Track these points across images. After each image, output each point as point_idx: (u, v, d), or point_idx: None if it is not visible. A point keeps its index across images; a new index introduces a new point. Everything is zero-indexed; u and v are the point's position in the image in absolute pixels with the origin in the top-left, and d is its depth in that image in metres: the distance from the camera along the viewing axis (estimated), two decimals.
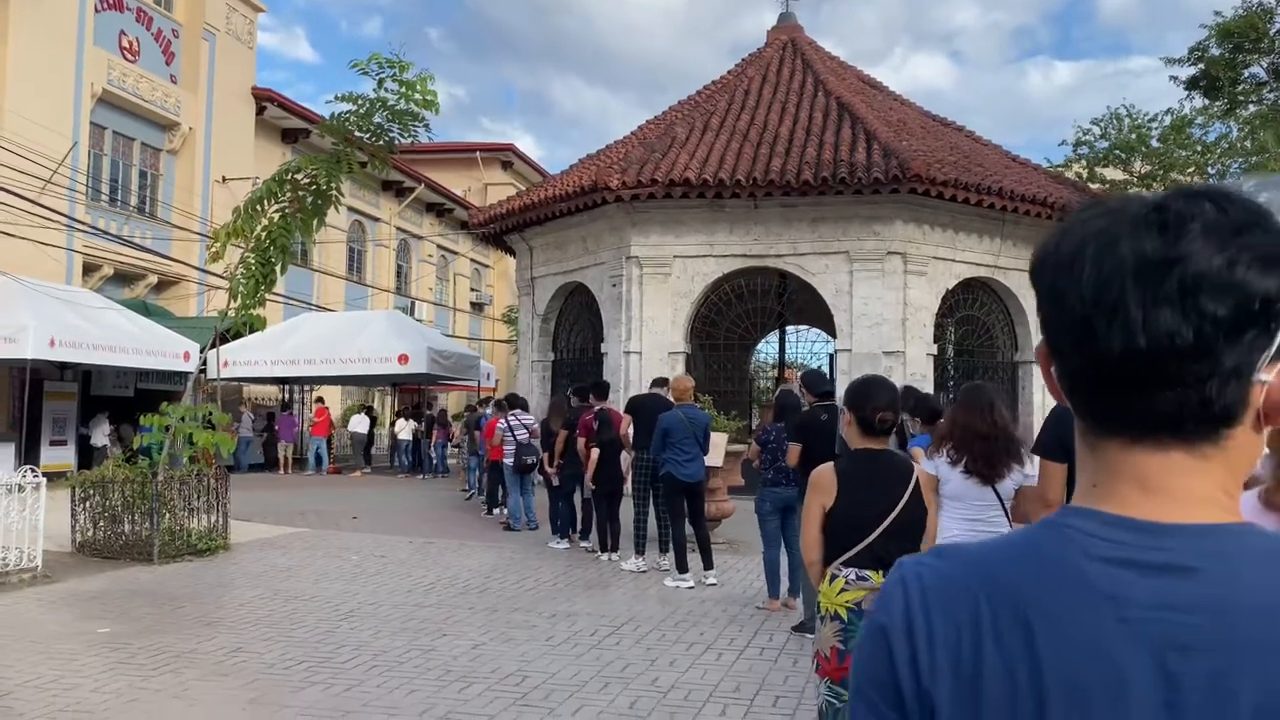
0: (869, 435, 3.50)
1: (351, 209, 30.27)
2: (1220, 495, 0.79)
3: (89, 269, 21.49)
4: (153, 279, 23.02)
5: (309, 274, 28.50)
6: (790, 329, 19.98)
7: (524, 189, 21.70)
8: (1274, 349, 0.76)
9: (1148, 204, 0.79)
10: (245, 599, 7.69)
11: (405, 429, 22.67)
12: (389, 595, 7.88)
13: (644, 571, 9.01)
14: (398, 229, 32.68)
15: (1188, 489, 0.78)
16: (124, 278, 22.64)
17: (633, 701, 5.14)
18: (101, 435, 19.13)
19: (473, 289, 37.73)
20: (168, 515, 9.33)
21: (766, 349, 22.55)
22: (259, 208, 10.22)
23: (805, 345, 20.14)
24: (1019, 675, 0.75)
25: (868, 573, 3.31)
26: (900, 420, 6.25)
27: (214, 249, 10.11)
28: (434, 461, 21.49)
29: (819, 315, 17.12)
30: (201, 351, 18.48)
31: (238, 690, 5.20)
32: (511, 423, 11.73)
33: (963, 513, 4.22)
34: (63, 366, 18.59)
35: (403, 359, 19.22)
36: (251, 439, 21.50)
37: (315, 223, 10.61)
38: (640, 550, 9.27)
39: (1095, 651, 0.74)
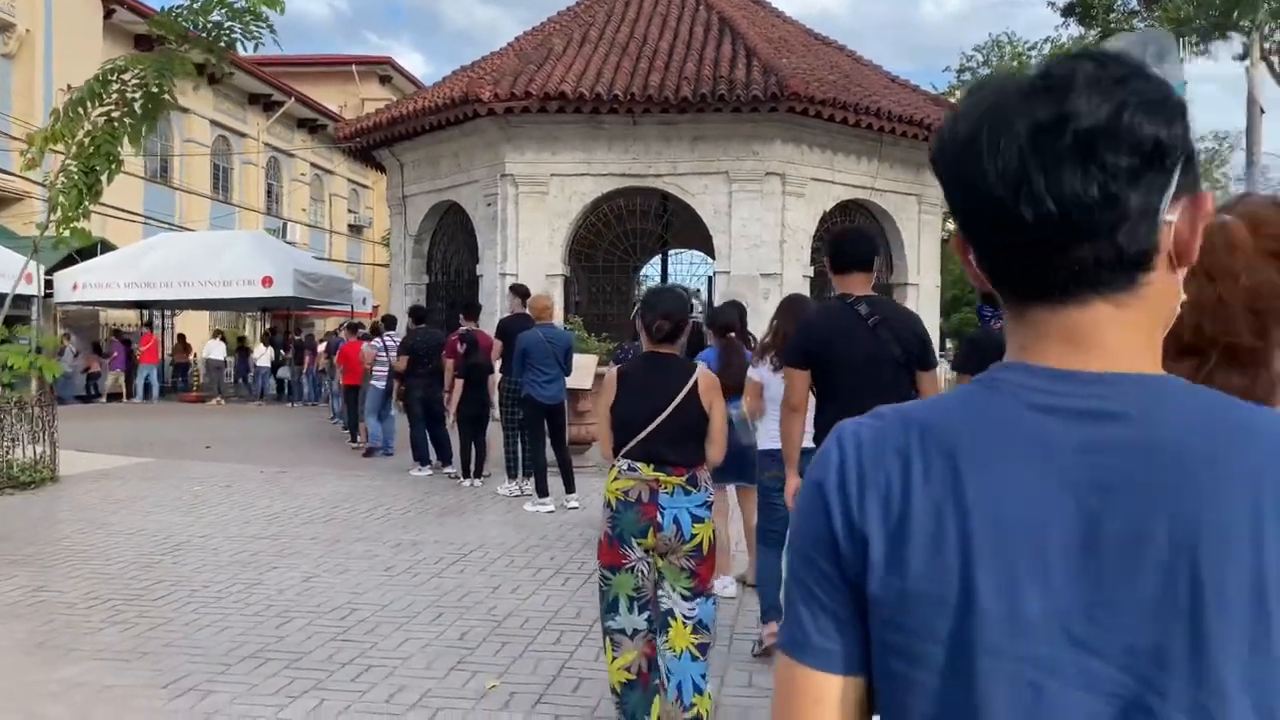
0: (652, 341, 3.62)
1: (215, 123, 28.57)
2: (1143, 346, 0.82)
3: None
4: None
5: (170, 192, 26.88)
6: (673, 252, 19.73)
7: (395, 101, 20.64)
8: (1173, 189, 0.79)
9: (1031, 73, 0.81)
10: (63, 534, 7.11)
11: (264, 356, 21.68)
12: (225, 527, 7.40)
13: (518, 495, 8.73)
14: (267, 145, 31.01)
15: (1112, 340, 0.80)
16: None
17: (464, 632, 4.86)
18: None
19: (350, 210, 36.29)
20: None
21: (651, 273, 22.32)
22: (81, 110, 9.29)
23: (686, 268, 19.93)
24: (945, 514, 0.78)
25: (639, 465, 3.44)
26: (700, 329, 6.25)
27: (28, 155, 9.18)
28: (305, 389, 20.69)
29: (699, 237, 16.88)
30: (35, 273, 17.22)
31: (26, 634, 4.72)
32: (387, 343, 11.18)
33: None
34: None
35: (266, 281, 18.23)
36: (72, 372, 20.16)
37: (146, 128, 9.73)
38: (513, 474, 8.97)
39: (1019, 492, 0.77)
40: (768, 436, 4.64)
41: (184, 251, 19.36)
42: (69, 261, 19.39)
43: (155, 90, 9.66)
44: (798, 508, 0.88)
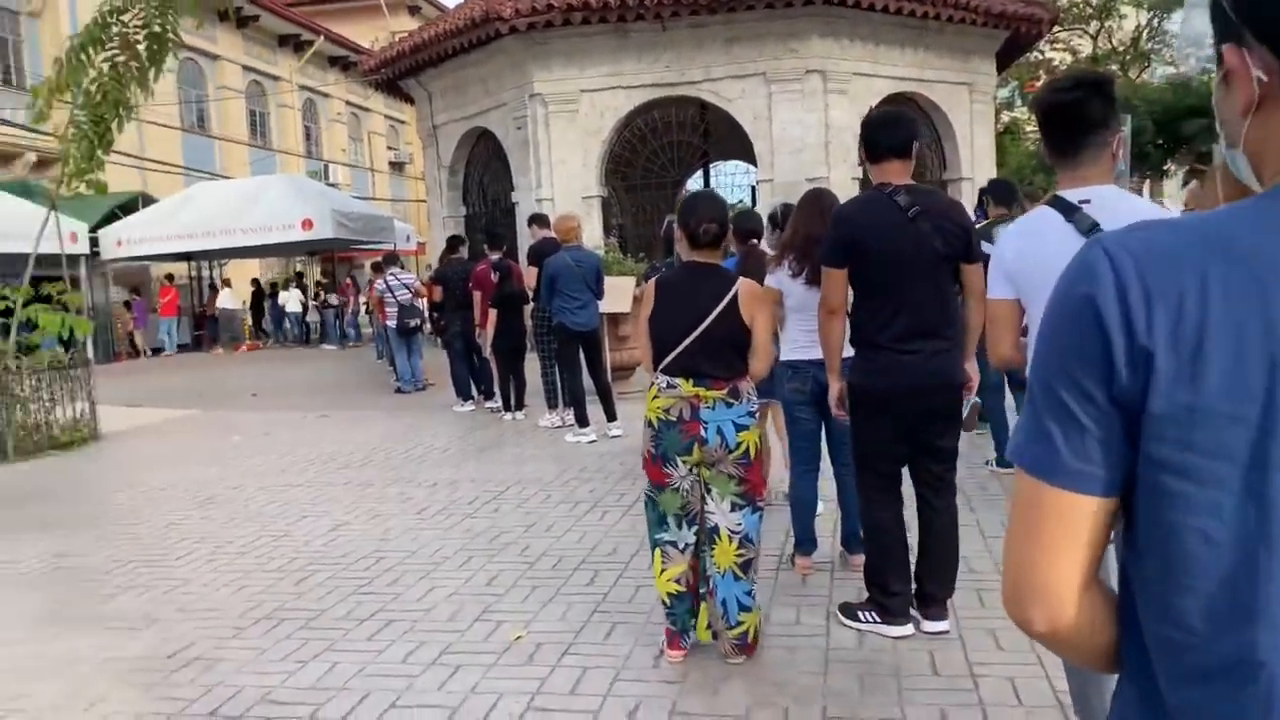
0: (695, 248, 3.46)
1: (247, 68, 28.24)
2: None
3: None
4: (31, 156, 21.26)
5: (209, 141, 26.73)
6: (717, 165, 19.02)
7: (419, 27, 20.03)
8: None
9: None
10: (96, 494, 6.99)
11: (291, 299, 21.69)
12: (259, 477, 7.21)
13: (559, 426, 8.43)
14: (301, 87, 30.62)
15: None
16: None
17: (493, 576, 4.56)
18: None
19: (390, 147, 35.88)
20: (19, 409, 8.48)
21: (694, 187, 21.66)
22: (84, 57, 8.97)
23: (727, 179, 19.22)
24: (1249, 331, 0.74)
25: (678, 381, 3.34)
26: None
27: (36, 108, 8.91)
28: (340, 331, 20.83)
29: (741, 146, 16.17)
30: (80, 232, 17.16)
31: (39, 604, 4.53)
32: (391, 283, 10.87)
33: (805, 324, 4.11)
34: None
35: (306, 224, 17.96)
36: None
37: (154, 72, 9.38)
38: (553, 405, 8.66)
39: None
40: (788, 346, 4.28)
41: (221, 200, 19.18)
42: (113, 218, 19.41)
43: (159, 30, 9.29)
44: (1052, 323, 0.84)
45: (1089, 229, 2.36)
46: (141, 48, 9.24)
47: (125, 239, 18.92)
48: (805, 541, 4.41)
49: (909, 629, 3.62)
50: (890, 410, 3.53)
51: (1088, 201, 2.44)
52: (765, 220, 5.64)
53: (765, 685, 3.31)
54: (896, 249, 3.41)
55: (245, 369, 16.10)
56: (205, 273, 24.29)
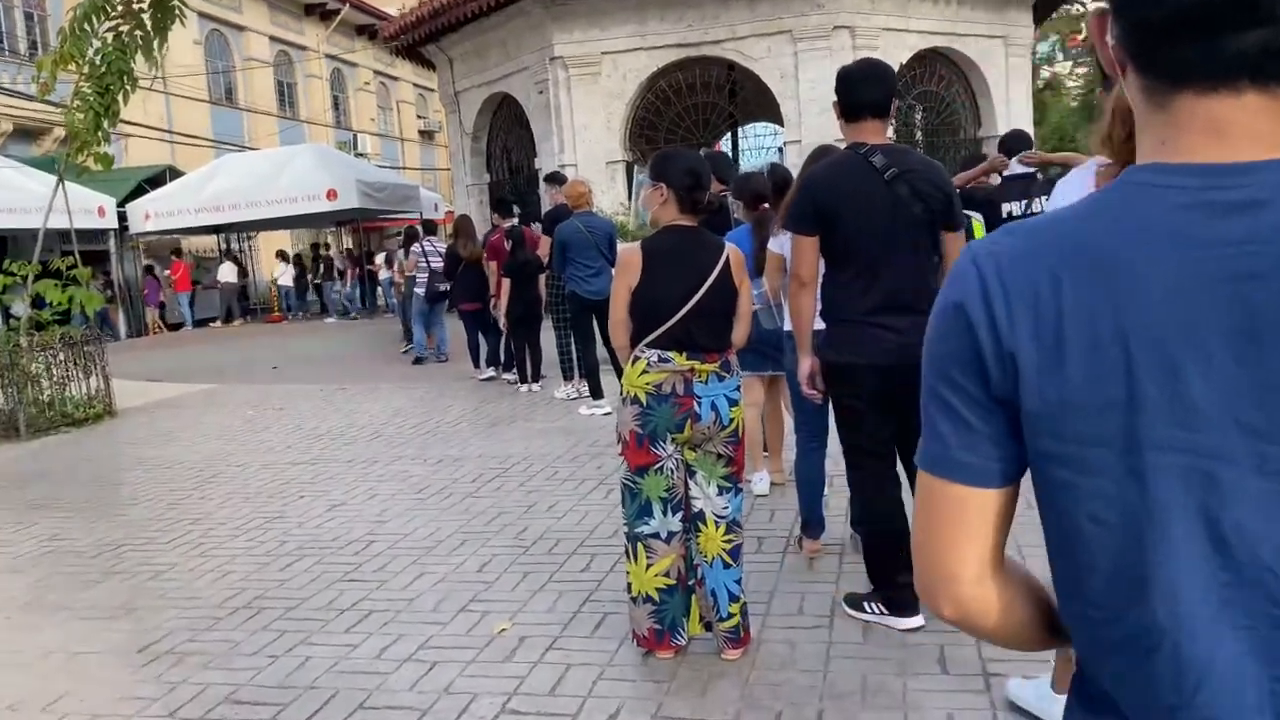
0: (688, 214, 3.20)
1: (274, 38, 28.12)
2: None
3: None
4: (59, 132, 21.30)
5: (237, 113, 26.69)
6: (746, 127, 18.57)
7: None
8: None
9: None
10: (100, 473, 6.88)
11: (285, 274, 21.68)
12: (265, 453, 7.06)
13: (575, 398, 8.20)
14: (328, 57, 30.43)
15: (1260, 130, 0.77)
16: (27, 133, 20.98)
17: (485, 562, 4.35)
18: (21, 305, 18.03)
19: (419, 116, 35.65)
20: (30, 386, 8.41)
21: (724, 149, 21.18)
22: (87, 27, 8.79)
23: (756, 140, 18.76)
24: (1101, 323, 0.77)
25: (670, 354, 3.11)
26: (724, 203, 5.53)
27: (40, 79, 8.75)
28: (335, 303, 21.01)
29: (769, 106, 15.73)
30: (109, 206, 17.21)
31: (20, 591, 4.40)
32: (426, 249, 10.69)
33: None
34: None
35: (331, 195, 17.79)
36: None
37: (158, 41, 9.18)
38: (568, 376, 8.43)
39: (1174, 291, 0.76)
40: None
41: (247, 172, 19.06)
42: (141, 192, 19.41)
43: None
44: (933, 330, 0.88)
45: None
46: (146, 16, 9.05)
47: (154, 212, 18.89)
48: (812, 523, 4.15)
49: (919, 620, 3.35)
50: (864, 386, 3.28)
51: None
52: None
53: (759, 685, 3.07)
54: (871, 215, 3.17)
55: (268, 341, 16.02)
56: (234, 245, 24.26)
